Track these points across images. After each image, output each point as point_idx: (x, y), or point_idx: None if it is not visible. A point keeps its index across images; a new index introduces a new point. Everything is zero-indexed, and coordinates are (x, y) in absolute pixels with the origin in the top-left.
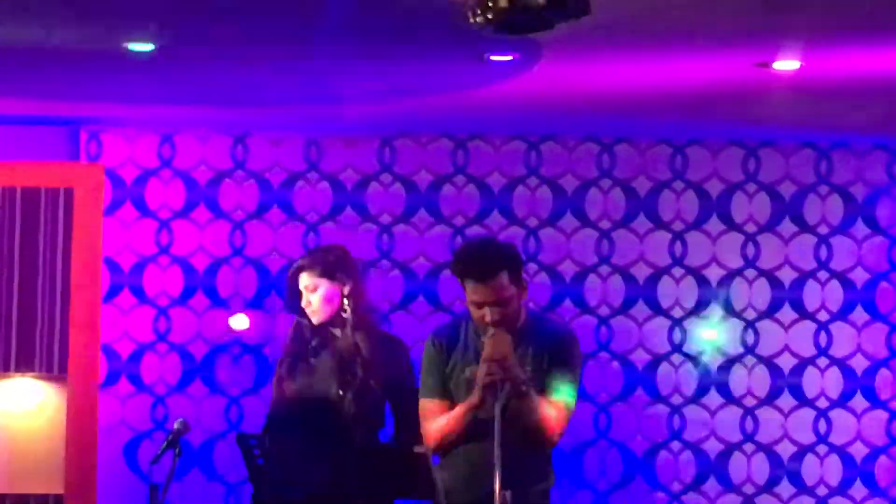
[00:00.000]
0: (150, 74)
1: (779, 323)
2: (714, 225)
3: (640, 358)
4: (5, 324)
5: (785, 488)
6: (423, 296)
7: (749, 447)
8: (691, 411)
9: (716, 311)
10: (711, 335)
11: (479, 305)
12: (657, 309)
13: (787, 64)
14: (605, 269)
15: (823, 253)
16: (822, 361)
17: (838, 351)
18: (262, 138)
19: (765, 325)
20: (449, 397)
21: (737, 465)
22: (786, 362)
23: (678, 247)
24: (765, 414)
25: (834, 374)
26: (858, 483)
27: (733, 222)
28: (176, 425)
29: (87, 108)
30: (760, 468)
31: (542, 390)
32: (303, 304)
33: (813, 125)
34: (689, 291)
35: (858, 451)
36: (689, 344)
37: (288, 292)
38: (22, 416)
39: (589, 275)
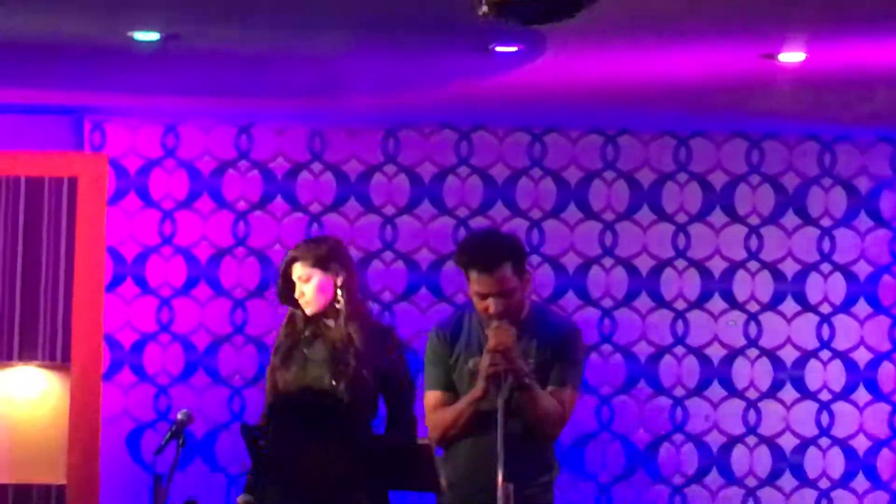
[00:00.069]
0: (155, 64)
1: (782, 315)
2: (717, 217)
3: (642, 350)
4: (9, 313)
5: (787, 481)
6: (426, 287)
7: (751, 440)
8: (694, 404)
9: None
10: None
11: (483, 296)
12: (660, 301)
13: (792, 56)
14: (608, 261)
15: (826, 245)
16: (825, 354)
17: (841, 344)
18: (265, 128)
19: (768, 318)
20: (453, 389)
21: (739, 458)
22: (788, 355)
23: (681, 239)
24: (767, 406)
25: (836, 366)
26: (861, 476)
27: (737, 214)
28: (179, 416)
29: (91, 98)
30: (763, 461)
31: (546, 382)
32: (296, 294)
33: (817, 117)
34: (692, 283)
35: (861, 444)
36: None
37: (281, 283)
38: (24, 404)
39: (592, 266)
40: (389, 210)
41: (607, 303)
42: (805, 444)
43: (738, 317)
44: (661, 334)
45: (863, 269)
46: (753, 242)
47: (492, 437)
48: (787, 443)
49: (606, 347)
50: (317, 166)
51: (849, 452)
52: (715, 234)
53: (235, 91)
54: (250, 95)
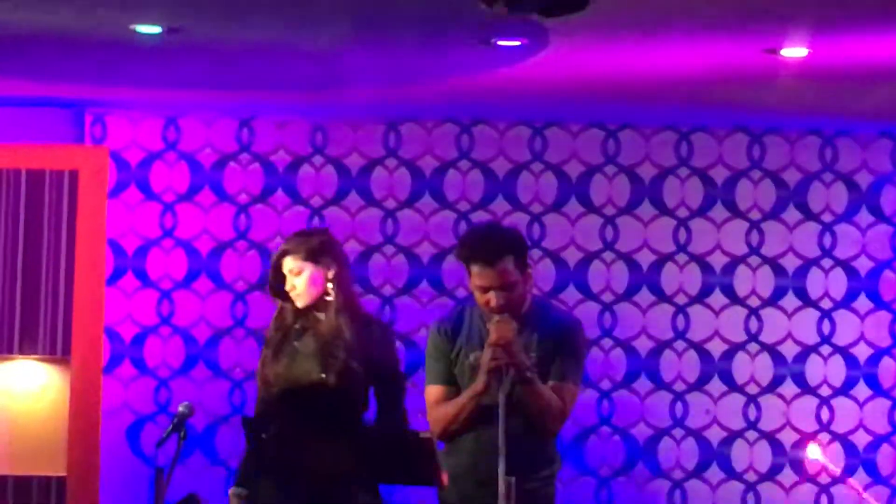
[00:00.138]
0: (157, 57)
1: (782, 310)
2: (718, 212)
3: (643, 345)
4: (9, 306)
5: (787, 476)
6: (427, 281)
7: (752, 435)
8: (694, 398)
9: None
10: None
11: (485, 290)
12: (661, 295)
13: (795, 51)
14: (609, 256)
15: (827, 241)
16: (826, 349)
17: (841, 339)
18: (267, 122)
19: (768, 313)
20: (454, 384)
21: (739, 453)
22: (789, 350)
23: (682, 233)
24: (768, 401)
25: (837, 362)
26: (861, 471)
27: (738, 209)
28: (181, 408)
29: (92, 91)
30: (763, 456)
31: (547, 377)
32: (287, 287)
33: (818, 112)
34: (692, 278)
35: (861, 439)
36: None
37: (272, 276)
38: (25, 397)
39: (593, 261)
40: (390, 204)
41: (608, 297)
42: (805, 439)
43: (739, 312)
44: (662, 329)
45: (864, 265)
46: (754, 237)
47: (493, 431)
48: (788, 438)
49: (607, 342)
50: (318, 160)
51: (849, 448)
52: (716, 228)
53: (237, 84)
54: (252, 89)
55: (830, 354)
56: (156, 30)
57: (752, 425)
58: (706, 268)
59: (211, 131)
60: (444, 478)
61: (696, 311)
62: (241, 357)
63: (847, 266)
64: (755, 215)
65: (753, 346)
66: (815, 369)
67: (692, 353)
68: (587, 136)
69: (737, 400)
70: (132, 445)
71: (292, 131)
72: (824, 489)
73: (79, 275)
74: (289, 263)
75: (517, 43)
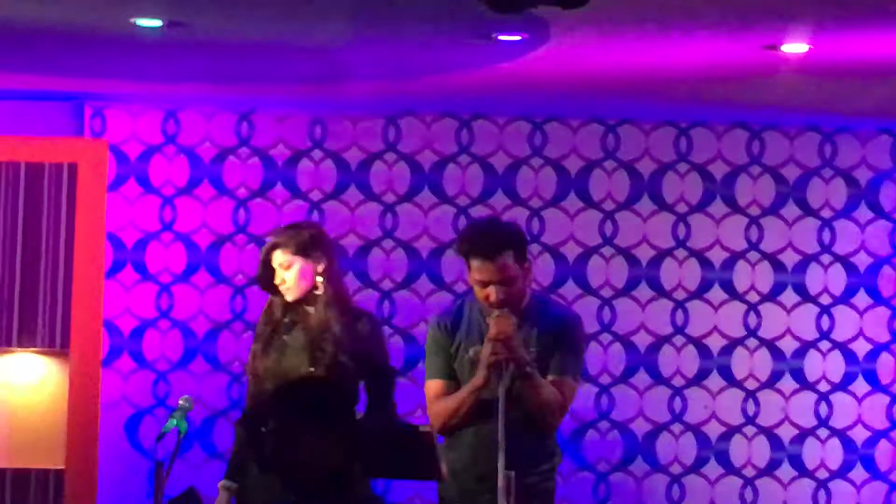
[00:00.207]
0: (157, 51)
1: (781, 306)
2: (718, 207)
3: (642, 340)
4: (8, 298)
5: (785, 471)
6: (426, 275)
7: (750, 430)
8: (693, 393)
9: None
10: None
11: (484, 284)
12: (660, 291)
13: (795, 47)
14: (608, 251)
15: (827, 236)
16: (824, 345)
17: (840, 334)
18: (266, 116)
19: (767, 308)
20: (454, 378)
21: (737, 448)
22: (788, 345)
23: (682, 229)
24: (766, 397)
25: (836, 357)
26: (859, 467)
27: (737, 205)
28: (181, 402)
29: (92, 84)
30: (761, 451)
31: (546, 371)
32: (276, 281)
33: (818, 108)
34: (692, 273)
35: (859, 434)
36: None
37: (261, 269)
38: (23, 390)
39: (592, 256)
40: (390, 198)
41: (607, 292)
42: (804, 434)
43: (738, 307)
44: (661, 324)
45: (863, 261)
46: (754, 233)
47: (493, 425)
48: (786, 433)
49: (606, 337)
50: (317, 154)
51: (847, 443)
52: (715, 224)
53: (236, 78)
54: (251, 82)
55: (829, 350)
56: (156, 23)
57: (750, 420)
58: (705, 263)
59: (210, 125)
60: (444, 472)
61: (695, 306)
62: (239, 351)
63: (846, 262)
64: (754, 211)
65: (752, 342)
66: (813, 365)
67: (691, 349)
68: (587, 132)
69: (735, 395)
70: (131, 439)
71: (292, 125)
72: (822, 484)
73: (78, 268)
74: (279, 257)
75: (517, 38)
